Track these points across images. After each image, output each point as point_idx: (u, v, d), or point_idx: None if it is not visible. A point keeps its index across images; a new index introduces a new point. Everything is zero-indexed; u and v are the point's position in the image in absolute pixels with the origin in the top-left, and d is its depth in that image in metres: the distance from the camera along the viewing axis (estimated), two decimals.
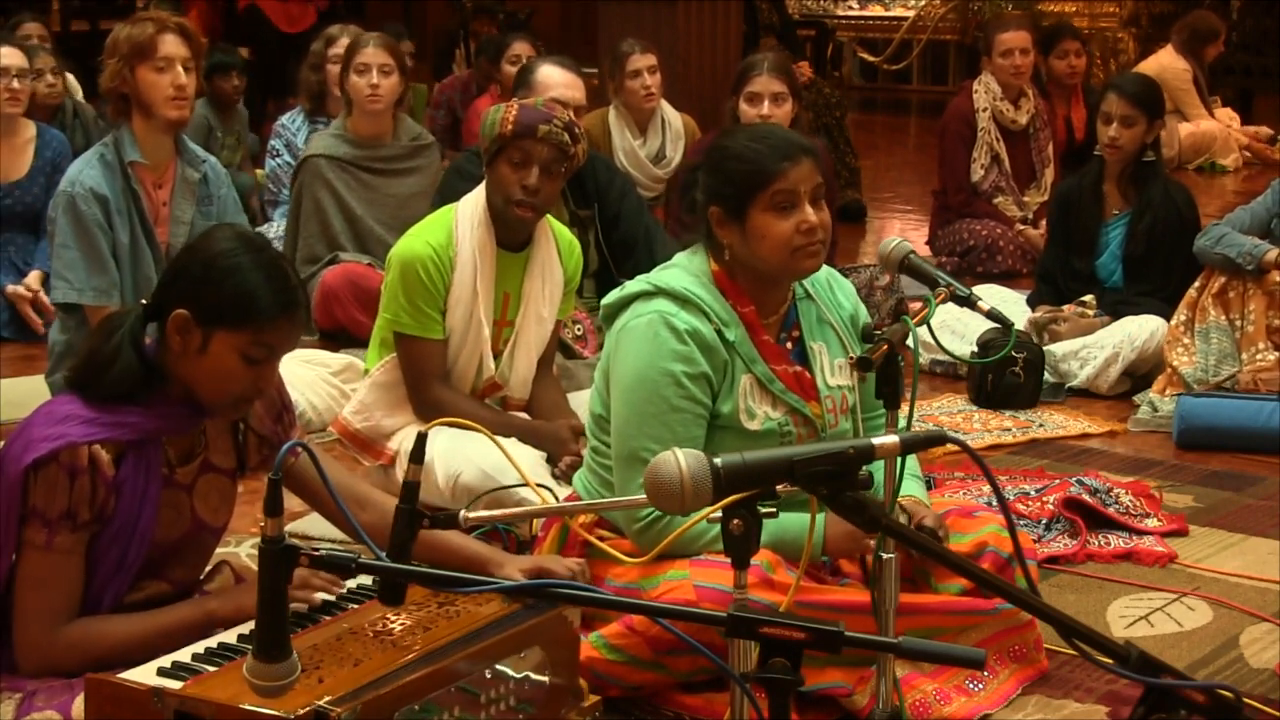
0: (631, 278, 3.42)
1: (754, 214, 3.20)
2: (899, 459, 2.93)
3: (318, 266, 6.13)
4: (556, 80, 5.23)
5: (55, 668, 2.77)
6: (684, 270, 3.32)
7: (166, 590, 2.97)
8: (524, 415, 4.27)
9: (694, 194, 3.33)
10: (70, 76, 7.92)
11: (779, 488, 1.97)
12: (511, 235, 4.18)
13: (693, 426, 3.21)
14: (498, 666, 2.69)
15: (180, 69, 4.57)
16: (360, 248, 6.20)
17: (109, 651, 2.77)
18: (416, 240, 4.14)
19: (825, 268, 3.43)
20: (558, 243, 4.30)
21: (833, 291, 3.45)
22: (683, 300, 3.25)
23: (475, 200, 4.18)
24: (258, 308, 2.78)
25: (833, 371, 3.36)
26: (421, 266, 4.09)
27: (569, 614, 2.87)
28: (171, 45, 4.57)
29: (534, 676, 2.77)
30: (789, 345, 3.36)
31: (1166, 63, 10.16)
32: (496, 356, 4.19)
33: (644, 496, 1.99)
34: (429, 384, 4.14)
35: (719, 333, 3.24)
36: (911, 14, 14.59)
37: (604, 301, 3.43)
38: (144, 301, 2.89)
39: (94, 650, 2.77)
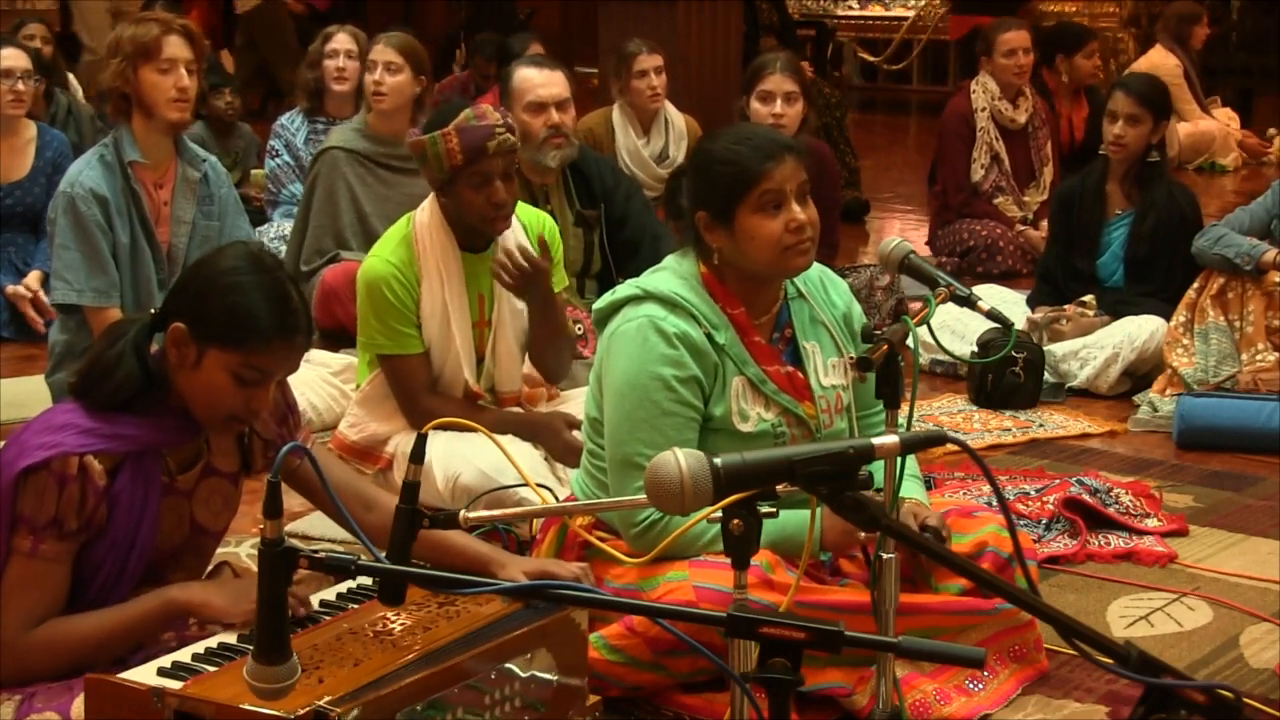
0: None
1: (742, 216, 3.19)
2: (899, 459, 2.93)
3: (321, 262, 6.13)
4: (535, 80, 5.21)
5: (26, 669, 2.76)
6: (673, 273, 3.31)
7: None
8: (517, 410, 4.26)
9: (679, 200, 3.33)
10: (71, 76, 7.90)
11: (778, 487, 1.97)
12: (473, 237, 4.13)
13: (684, 430, 3.21)
14: (505, 666, 2.69)
15: (183, 71, 4.57)
16: (366, 245, 6.18)
17: (77, 648, 2.76)
18: (378, 260, 4.10)
19: (819, 266, 3.43)
20: (524, 226, 4.24)
21: (826, 290, 3.44)
22: (671, 304, 3.24)
23: (430, 209, 4.13)
24: (252, 329, 2.76)
25: (826, 371, 3.36)
26: (387, 286, 4.05)
27: (577, 616, 2.87)
28: (175, 47, 4.57)
29: (541, 676, 2.77)
30: (781, 346, 3.35)
31: (1157, 60, 10.15)
32: (482, 359, 4.17)
33: (643, 498, 1.99)
34: (418, 397, 4.10)
35: (709, 336, 3.23)
36: (911, 14, 14.60)
37: (594, 307, 3.42)
38: (152, 310, 2.89)
39: (61, 649, 2.77)
